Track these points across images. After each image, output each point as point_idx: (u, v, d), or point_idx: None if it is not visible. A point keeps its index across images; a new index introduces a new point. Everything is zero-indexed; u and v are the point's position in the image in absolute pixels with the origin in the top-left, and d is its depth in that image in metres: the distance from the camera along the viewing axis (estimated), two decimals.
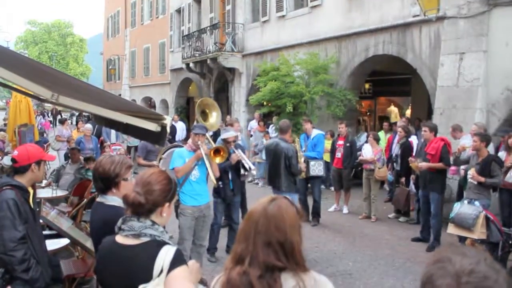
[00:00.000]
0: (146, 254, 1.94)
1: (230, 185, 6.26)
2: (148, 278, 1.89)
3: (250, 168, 6.15)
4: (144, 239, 1.98)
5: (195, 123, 6.62)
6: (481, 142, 6.16)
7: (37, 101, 10.90)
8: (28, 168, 3.22)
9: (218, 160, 5.48)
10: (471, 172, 6.11)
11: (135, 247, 1.97)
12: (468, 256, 1.12)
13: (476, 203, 5.90)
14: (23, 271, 2.97)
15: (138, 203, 1.99)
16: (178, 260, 1.93)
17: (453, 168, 7.38)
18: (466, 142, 6.82)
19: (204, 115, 6.16)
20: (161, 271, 1.90)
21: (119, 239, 2.02)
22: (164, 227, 2.12)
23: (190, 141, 5.54)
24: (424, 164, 6.87)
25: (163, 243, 1.99)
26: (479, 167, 6.11)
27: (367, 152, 8.69)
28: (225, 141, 6.05)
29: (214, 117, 6.17)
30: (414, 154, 8.04)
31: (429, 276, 1.12)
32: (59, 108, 28.34)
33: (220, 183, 6.11)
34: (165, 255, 1.92)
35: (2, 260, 2.96)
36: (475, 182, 6.09)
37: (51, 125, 29.16)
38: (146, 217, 2.02)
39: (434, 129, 7.18)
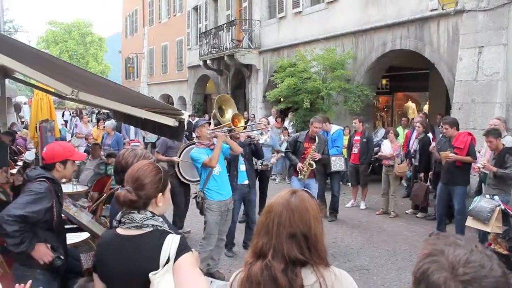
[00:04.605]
0: (151, 244, 1.96)
1: (239, 177, 6.18)
2: (154, 267, 1.91)
3: (259, 136, 6.14)
4: (147, 230, 2.00)
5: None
6: (496, 140, 6.08)
7: (58, 99, 11.11)
8: (53, 166, 3.29)
9: (243, 123, 5.62)
10: (483, 161, 6.05)
11: (139, 237, 1.99)
12: (460, 246, 1.08)
13: (496, 197, 5.84)
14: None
15: (129, 201, 2.01)
16: (183, 248, 1.96)
17: (474, 166, 7.25)
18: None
19: (221, 111, 6.21)
20: (168, 259, 1.92)
21: (121, 231, 2.04)
22: (164, 217, 2.14)
23: (197, 139, 5.50)
24: (454, 156, 6.72)
25: (166, 232, 2.02)
26: (494, 161, 6.06)
27: (386, 148, 8.64)
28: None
29: (230, 113, 6.20)
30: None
31: (423, 271, 1.07)
32: (80, 106, 28.67)
33: (228, 174, 6.11)
34: (171, 243, 1.95)
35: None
36: (487, 172, 6.05)
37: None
38: (144, 210, 2.05)
39: (454, 124, 6.96)
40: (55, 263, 3.18)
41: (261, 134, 6.51)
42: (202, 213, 5.47)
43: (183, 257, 1.94)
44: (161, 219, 2.07)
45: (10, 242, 3.00)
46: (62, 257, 3.21)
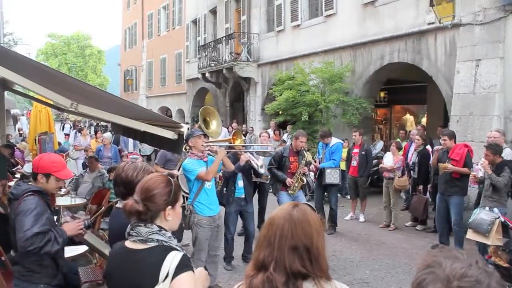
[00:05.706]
0: (152, 259, 1.95)
1: (236, 192, 6.21)
2: (154, 282, 1.90)
3: (258, 167, 6.16)
4: (151, 244, 1.98)
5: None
6: (494, 155, 6.11)
7: (57, 111, 11.11)
8: (35, 176, 3.19)
9: (239, 141, 5.63)
10: (482, 160, 6.09)
11: (142, 252, 1.98)
12: (459, 260, 1.07)
13: (495, 210, 5.84)
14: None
15: (135, 211, 1.99)
16: (184, 266, 1.93)
17: (472, 178, 7.26)
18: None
19: (206, 123, 6.20)
20: (167, 275, 1.90)
21: (128, 244, 2.03)
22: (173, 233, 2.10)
23: (191, 150, 5.33)
24: (452, 167, 6.76)
25: (170, 248, 1.99)
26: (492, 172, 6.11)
27: (388, 160, 8.64)
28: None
29: (215, 125, 6.19)
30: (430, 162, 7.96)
31: (419, 282, 1.07)
32: (78, 118, 28.67)
33: (225, 189, 6.09)
34: (172, 260, 1.92)
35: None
36: (484, 170, 6.14)
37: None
38: (152, 223, 2.02)
39: (453, 136, 7.12)
40: (86, 225, 3.39)
41: (261, 167, 6.55)
42: (188, 227, 5.37)
43: (181, 275, 1.91)
44: (169, 234, 2.04)
45: (49, 248, 2.94)
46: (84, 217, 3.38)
